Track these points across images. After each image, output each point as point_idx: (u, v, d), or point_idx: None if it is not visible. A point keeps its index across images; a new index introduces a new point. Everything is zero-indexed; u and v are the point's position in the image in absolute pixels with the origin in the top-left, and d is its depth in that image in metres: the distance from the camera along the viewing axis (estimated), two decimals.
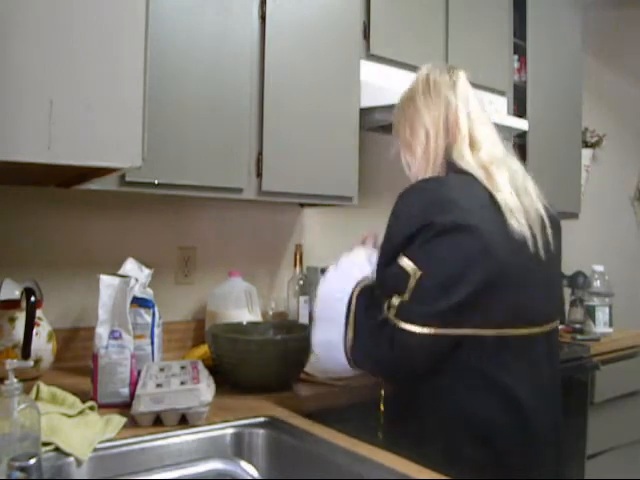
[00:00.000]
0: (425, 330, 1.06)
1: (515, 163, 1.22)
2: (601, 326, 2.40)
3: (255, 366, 1.43)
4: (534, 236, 1.13)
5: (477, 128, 1.21)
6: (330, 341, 1.19)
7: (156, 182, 1.49)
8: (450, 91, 1.24)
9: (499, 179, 1.14)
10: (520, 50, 2.53)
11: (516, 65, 2.53)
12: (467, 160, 1.17)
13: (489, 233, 1.07)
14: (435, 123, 1.22)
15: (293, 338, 1.50)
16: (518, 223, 1.10)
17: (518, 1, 2.50)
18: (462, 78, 1.27)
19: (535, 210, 1.17)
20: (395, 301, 1.09)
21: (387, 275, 1.14)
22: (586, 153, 3.14)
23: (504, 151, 1.23)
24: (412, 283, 1.07)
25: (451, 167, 1.19)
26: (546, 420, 1.15)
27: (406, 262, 1.08)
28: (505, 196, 1.12)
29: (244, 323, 1.71)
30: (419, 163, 1.25)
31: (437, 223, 1.06)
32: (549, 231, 1.18)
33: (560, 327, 2.47)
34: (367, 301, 1.17)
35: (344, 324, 1.17)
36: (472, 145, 1.19)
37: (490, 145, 1.20)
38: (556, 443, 1.17)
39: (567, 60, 2.78)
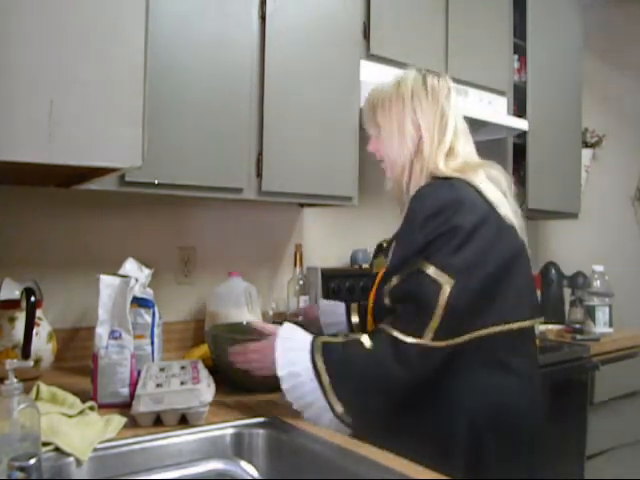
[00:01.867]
0: (458, 340, 1.07)
1: (495, 168, 1.23)
2: (601, 326, 2.40)
3: None
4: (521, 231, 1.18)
5: (459, 141, 1.24)
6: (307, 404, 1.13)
7: (156, 182, 1.49)
8: (446, 101, 1.25)
9: (478, 180, 1.16)
10: (520, 50, 2.53)
11: (516, 65, 2.53)
12: (442, 168, 1.19)
13: (499, 228, 1.12)
14: (428, 129, 1.23)
15: None
16: (508, 217, 1.14)
17: (518, 1, 2.50)
18: (454, 89, 1.29)
19: (517, 210, 1.21)
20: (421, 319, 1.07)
21: (406, 284, 1.11)
22: (586, 153, 3.14)
23: (480, 160, 1.25)
24: (445, 295, 1.05)
25: (429, 173, 1.21)
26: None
27: (434, 271, 1.06)
28: (493, 194, 1.15)
29: (244, 323, 1.70)
30: (402, 163, 1.25)
31: (459, 227, 1.07)
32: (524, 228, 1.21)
33: (560, 327, 2.49)
34: (343, 352, 1.11)
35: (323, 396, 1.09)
36: (449, 156, 1.21)
37: (465, 155, 1.23)
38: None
39: (567, 60, 2.78)
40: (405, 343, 1.06)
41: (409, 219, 1.14)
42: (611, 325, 2.45)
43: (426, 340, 1.05)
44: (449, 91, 1.26)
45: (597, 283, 2.47)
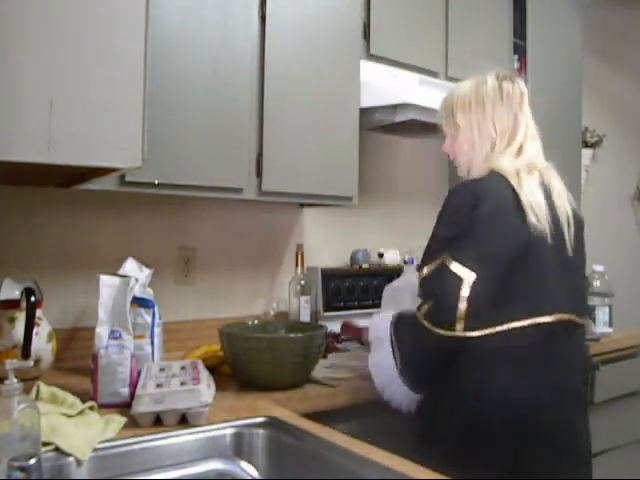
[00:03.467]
0: (486, 331, 1.15)
1: (553, 175, 1.35)
2: (601, 326, 2.40)
3: (270, 364, 1.43)
4: (557, 232, 1.23)
5: (527, 142, 1.36)
6: (381, 363, 1.31)
7: (156, 182, 1.49)
8: (518, 107, 1.37)
9: (527, 182, 1.24)
10: (520, 50, 2.53)
11: (516, 65, 2.53)
12: (502, 165, 1.29)
13: (515, 225, 1.19)
14: (502, 134, 1.34)
15: (307, 336, 1.50)
16: (537, 219, 1.19)
17: (518, 1, 2.50)
18: (526, 93, 1.40)
19: (564, 210, 1.28)
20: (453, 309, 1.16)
21: (433, 276, 1.22)
22: (586, 153, 3.14)
23: (544, 162, 1.38)
24: (466, 289, 1.14)
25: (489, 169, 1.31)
26: (558, 413, 1.21)
27: (457, 267, 1.16)
28: (528, 195, 1.21)
29: (255, 323, 1.70)
30: (476, 161, 1.36)
31: (477, 223, 1.17)
32: (572, 229, 1.28)
33: None
34: (404, 329, 1.28)
35: (391, 351, 1.28)
36: (517, 156, 1.32)
37: (530, 156, 1.35)
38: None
39: (567, 60, 2.77)
40: (431, 332, 1.18)
41: (439, 214, 1.26)
42: (611, 325, 2.45)
43: (458, 332, 1.15)
44: (522, 96, 1.38)
45: (597, 283, 2.47)
